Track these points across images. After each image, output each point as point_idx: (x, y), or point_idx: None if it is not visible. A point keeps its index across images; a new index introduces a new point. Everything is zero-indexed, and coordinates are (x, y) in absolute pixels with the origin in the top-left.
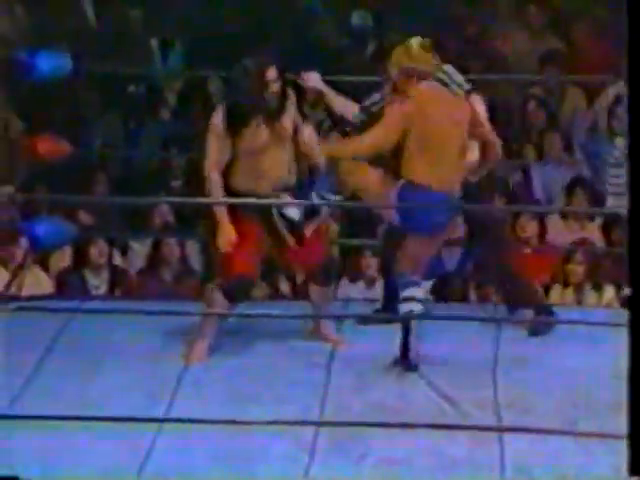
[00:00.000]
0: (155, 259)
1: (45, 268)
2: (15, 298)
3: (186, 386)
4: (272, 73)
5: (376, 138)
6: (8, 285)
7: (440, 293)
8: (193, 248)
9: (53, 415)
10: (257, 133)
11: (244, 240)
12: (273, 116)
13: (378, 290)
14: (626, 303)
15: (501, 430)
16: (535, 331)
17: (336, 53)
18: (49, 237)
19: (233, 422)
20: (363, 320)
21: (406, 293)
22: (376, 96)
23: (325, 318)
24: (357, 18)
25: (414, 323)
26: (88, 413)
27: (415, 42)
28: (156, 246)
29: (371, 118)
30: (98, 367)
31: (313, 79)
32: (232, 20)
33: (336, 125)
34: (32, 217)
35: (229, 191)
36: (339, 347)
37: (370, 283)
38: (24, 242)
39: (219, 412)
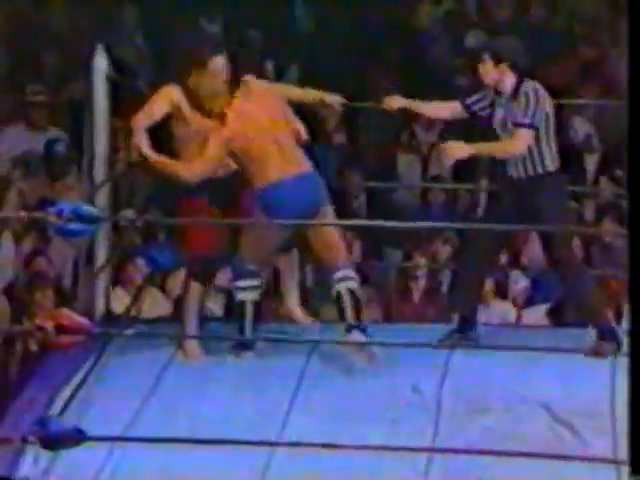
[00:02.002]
0: (275, 284)
1: (163, 290)
2: (135, 320)
3: (299, 404)
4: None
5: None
6: (129, 308)
7: (556, 318)
8: (310, 271)
9: (168, 437)
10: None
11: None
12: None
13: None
14: None
15: (618, 463)
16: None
17: (449, 74)
18: (167, 260)
19: (346, 447)
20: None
21: (241, 283)
22: (477, 96)
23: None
24: (471, 39)
25: (249, 307)
26: (204, 432)
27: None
28: (275, 271)
29: (473, 116)
30: (214, 386)
31: (395, 102)
32: (347, 42)
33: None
34: (150, 240)
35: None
36: (305, 322)
37: (485, 304)
38: (143, 265)
39: (333, 431)
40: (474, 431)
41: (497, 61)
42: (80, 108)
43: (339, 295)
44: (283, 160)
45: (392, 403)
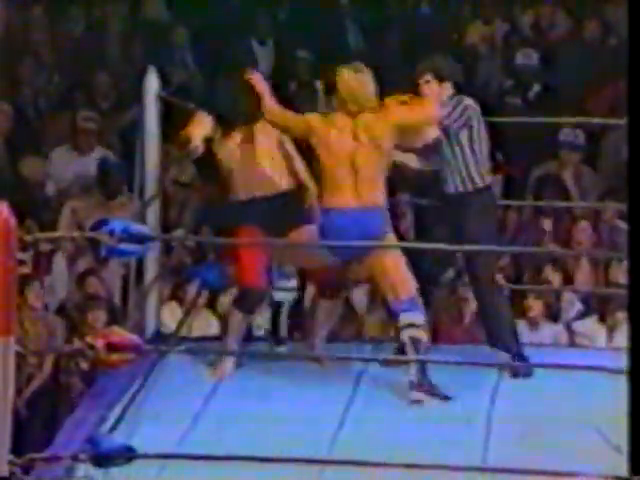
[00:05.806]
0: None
1: (213, 309)
2: (185, 339)
3: (348, 424)
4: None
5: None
6: (179, 326)
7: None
8: (359, 292)
9: (219, 455)
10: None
11: (253, 253)
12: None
13: (542, 333)
14: None
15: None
16: (516, 373)
17: (499, 94)
18: (216, 279)
19: (399, 465)
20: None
21: (279, 284)
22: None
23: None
24: (522, 57)
25: (286, 307)
26: (254, 448)
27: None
28: None
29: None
30: (263, 403)
31: None
32: (396, 61)
33: None
34: (200, 259)
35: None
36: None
37: (533, 326)
38: (194, 285)
39: (382, 450)
40: (524, 453)
41: (440, 80)
42: (132, 131)
43: (404, 346)
44: (355, 187)
45: (435, 434)
